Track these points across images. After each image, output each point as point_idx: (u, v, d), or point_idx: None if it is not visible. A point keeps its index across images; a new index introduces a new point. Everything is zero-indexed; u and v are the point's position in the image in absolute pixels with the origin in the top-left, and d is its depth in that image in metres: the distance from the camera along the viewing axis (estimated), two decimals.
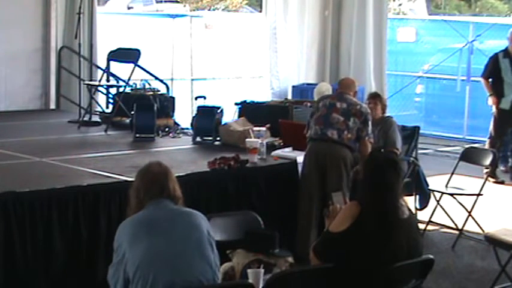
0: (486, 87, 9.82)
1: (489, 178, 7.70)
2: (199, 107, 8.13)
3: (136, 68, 9.05)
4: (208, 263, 3.64)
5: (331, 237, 3.96)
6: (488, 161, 7.53)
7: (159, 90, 9.33)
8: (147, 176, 3.82)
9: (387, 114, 7.52)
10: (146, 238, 3.60)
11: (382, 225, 3.89)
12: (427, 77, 13.52)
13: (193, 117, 8.09)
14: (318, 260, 3.97)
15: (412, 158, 7.52)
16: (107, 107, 9.77)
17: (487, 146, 9.49)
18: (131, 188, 3.86)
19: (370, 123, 6.48)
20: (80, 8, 9.74)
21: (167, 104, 8.97)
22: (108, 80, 9.83)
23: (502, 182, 9.59)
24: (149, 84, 9.31)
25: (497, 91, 9.69)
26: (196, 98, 8.66)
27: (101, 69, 10.08)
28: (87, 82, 9.82)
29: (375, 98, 7.43)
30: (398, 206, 3.98)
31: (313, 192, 6.33)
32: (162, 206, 3.74)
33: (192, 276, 3.57)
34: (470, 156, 7.76)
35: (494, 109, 9.74)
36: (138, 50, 9.02)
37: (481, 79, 9.95)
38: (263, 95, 11.81)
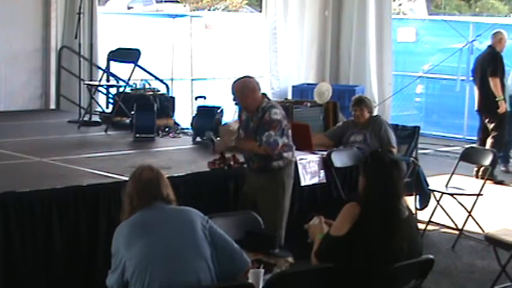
0: (498, 88, 9.49)
1: (487, 180, 7.64)
2: (199, 107, 8.12)
3: (137, 68, 9.04)
4: (204, 260, 3.63)
5: (333, 241, 3.96)
6: (488, 161, 7.53)
7: (159, 90, 9.34)
8: (139, 184, 3.80)
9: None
10: (141, 240, 3.61)
11: (385, 225, 3.90)
12: (427, 77, 13.52)
13: (193, 117, 8.09)
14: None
15: (412, 158, 7.52)
16: (107, 107, 9.77)
17: (488, 146, 9.42)
18: (124, 193, 3.85)
19: None
20: (80, 8, 9.74)
21: (167, 104, 8.97)
22: (108, 80, 9.83)
23: (501, 182, 9.58)
24: (149, 84, 9.32)
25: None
26: (196, 98, 8.65)
27: (101, 69, 10.08)
28: (87, 82, 9.82)
29: (359, 104, 7.39)
30: (400, 206, 3.99)
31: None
32: (154, 207, 3.74)
33: (188, 274, 3.56)
34: (470, 156, 7.76)
35: (502, 110, 9.57)
36: (138, 50, 9.02)
37: (496, 79, 9.49)
38: None
